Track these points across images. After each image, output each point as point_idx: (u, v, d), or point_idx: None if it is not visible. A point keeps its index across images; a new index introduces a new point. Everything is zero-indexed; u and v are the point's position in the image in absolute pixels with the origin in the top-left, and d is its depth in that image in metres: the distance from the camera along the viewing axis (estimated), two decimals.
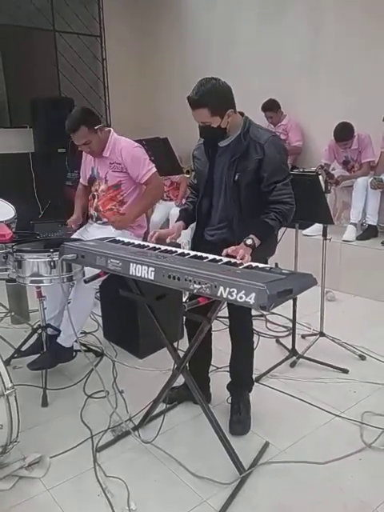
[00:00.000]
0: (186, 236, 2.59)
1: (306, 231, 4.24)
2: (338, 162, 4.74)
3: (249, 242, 2.02)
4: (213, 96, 2.03)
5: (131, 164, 2.95)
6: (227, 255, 1.94)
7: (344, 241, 4.32)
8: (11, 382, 1.99)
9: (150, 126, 6.23)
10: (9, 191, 3.24)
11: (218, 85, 2.05)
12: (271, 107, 5.16)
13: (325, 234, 3.05)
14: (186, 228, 2.38)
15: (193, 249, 2.23)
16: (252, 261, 1.92)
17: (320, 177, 3.06)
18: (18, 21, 6.09)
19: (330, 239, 3.10)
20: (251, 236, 2.04)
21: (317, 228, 4.05)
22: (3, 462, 2.08)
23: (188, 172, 5.53)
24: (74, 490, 2.00)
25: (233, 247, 1.96)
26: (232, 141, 2.18)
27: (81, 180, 3.32)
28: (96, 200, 3.09)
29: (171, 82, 6.49)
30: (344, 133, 4.39)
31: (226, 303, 1.93)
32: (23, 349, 2.99)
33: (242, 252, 1.92)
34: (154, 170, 3.01)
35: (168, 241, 2.23)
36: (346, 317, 3.75)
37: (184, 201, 2.55)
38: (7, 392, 1.95)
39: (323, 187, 2.98)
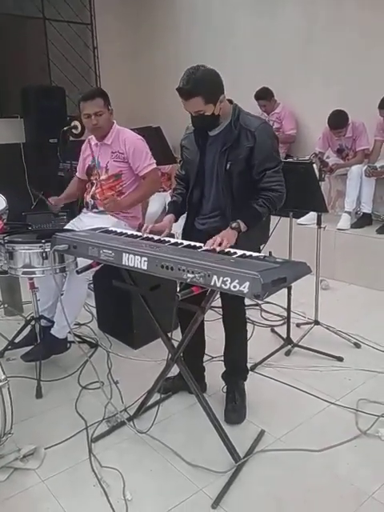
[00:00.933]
0: (179, 226, 2.58)
1: (301, 220, 4.23)
2: (333, 150, 4.72)
3: (234, 224, 2.03)
4: (205, 83, 2.00)
5: (133, 155, 2.94)
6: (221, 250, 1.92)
7: (338, 229, 4.32)
8: (4, 373, 1.98)
9: (143, 115, 6.17)
10: (0, 183, 3.20)
11: (207, 72, 2.02)
12: (264, 96, 5.12)
13: (319, 223, 3.04)
14: (176, 220, 2.36)
15: (184, 239, 2.21)
16: (244, 249, 1.91)
17: (314, 165, 3.04)
18: (7, 9, 5.99)
19: (324, 228, 3.09)
20: (238, 220, 2.04)
21: (311, 217, 4.03)
22: None
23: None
24: (69, 480, 2.00)
25: (212, 238, 1.94)
26: (222, 129, 2.16)
27: (77, 173, 3.30)
28: (94, 187, 3.06)
29: (164, 70, 6.41)
30: (338, 120, 4.36)
31: (219, 293, 1.93)
32: (17, 340, 2.97)
33: (219, 239, 1.92)
34: (155, 165, 3.01)
35: (163, 235, 2.20)
36: (341, 305, 3.75)
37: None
38: (0, 384, 1.94)
39: (317, 175, 2.96)
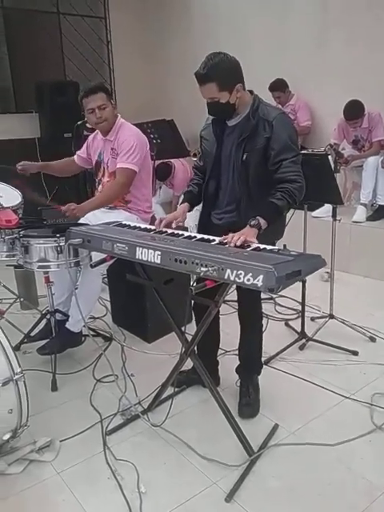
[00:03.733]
0: (192, 219, 2.56)
1: (315, 213, 4.19)
2: (348, 141, 4.65)
3: (253, 222, 1.96)
4: (221, 70, 1.98)
5: (119, 146, 2.87)
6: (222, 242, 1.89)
7: (354, 222, 4.26)
8: (20, 366, 2.00)
9: (157, 108, 6.16)
10: (15, 177, 3.22)
11: (226, 59, 2.00)
12: (279, 87, 5.07)
13: (334, 215, 3.00)
14: (191, 210, 2.34)
15: (200, 232, 2.18)
16: (260, 243, 1.89)
17: (329, 157, 3.01)
18: (23, 4, 6.01)
19: (339, 220, 3.05)
20: (257, 217, 1.98)
21: (326, 209, 4.00)
22: (14, 445, 2.10)
23: (195, 155, 5.47)
24: (84, 473, 2.02)
25: (229, 235, 1.90)
26: (240, 120, 2.13)
27: (77, 152, 3.23)
28: (100, 186, 3.07)
29: (178, 63, 6.38)
30: (354, 111, 4.29)
31: (234, 286, 1.91)
32: (32, 334, 3.01)
33: (236, 237, 1.87)
34: (134, 168, 2.83)
35: (174, 225, 2.20)
36: (356, 298, 3.71)
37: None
38: (16, 377, 1.96)
39: (333, 167, 2.92)
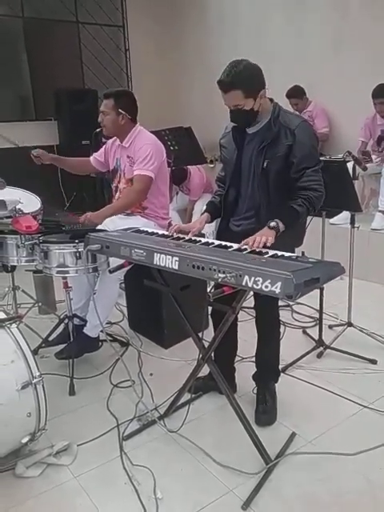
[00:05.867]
0: (210, 226, 2.56)
1: (333, 220, 4.15)
2: (374, 138, 4.61)
3: (272, 224, 1.98)
4: (246, 77, 1.99)
5: (135, 154, 2.90)
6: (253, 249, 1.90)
7: (373, 229, 4.22)
8: (39, 370, 2.02)
9: (175, 116, 6.19)
10: (35, 183, 3.27)
11: (249, 66, 2.02)
12: (296, 94, 5.08)
13: (353, 222, 2.98)
14: (211, 221, 2.34)
15: (218, 239, 2.19)
16: (279, 250, 1.89)
17: (348, 164, 2.99)
18: (42, 14, 6.12)
19: (358, 227, 3.03)
20: (276, 219, 2.00)
21: (344, 216, 3.96)
22: (32, 449, 2.12)
23: (212, 162, 5.49)
24: (100, 477, 2.02)
25: (251, 238, 1.92)
26: (261, 127, 2.14)
27: (94, 154, 3.26)
28: (118, 193, 3.10)
29: (196, 71, 6.43)
30: (382, 91, 4.27)
31: (251, 293, 1.91)
32: (50, 338, 3.03)
33: (258, 238, 1.89)
34: (151, 174, 2.86)
35: (190, 235, 2.19)
36: (375, 307, 3.66)
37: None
38: (35, 380, 1.98)
39: (351, 174, 2.91)
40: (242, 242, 1.93)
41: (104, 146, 3.22)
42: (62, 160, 3.26)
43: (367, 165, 3.85)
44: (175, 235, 2.17)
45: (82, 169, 3.35)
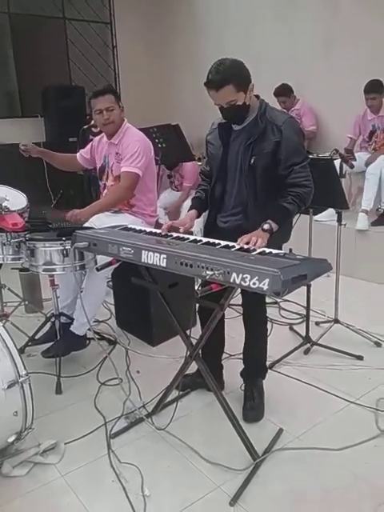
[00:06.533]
0: (197, 223, 2.56)
1: (318, 216, 4.17)
2: (364, 134, 4.63)
3: (266, 226, 2.00)
4: (235, 71, 2.00)
5: (124, 151, 2.89)
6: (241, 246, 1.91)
7: (358, 230, 4.25)
8: (25, 369, 2.00)
9: (162, 113, 6.18)
10: (21, 181, 3.25)
11: (235, 61, 2.03)
12: (284, 92, 5.10)
13: (340, 220, 3.00)
14: (198, 217, 2.35)
15: (205, 236, 2.19)
16: (267, 247, 1.90)
17: (335, 162, 3.01)
18: (29, 9, 6.07)
19: (345, 225, 3.05)
20: (268, 221, 2.01)
21: (329, 213, 3.98)
22: (18, 448, 2.10)
23: (200, 159, 5.48)
24: (88, 475, 2.02)
25: (247, 236, 1.93)
26: (247, 124, 2.14)
27: (80, 151, 3.23)
28: (105, 190, 3.08)
29: (183, 68, 6.42)
30: (374, 84, 4.30)
31: (239, 290, 1.91)
32: (37, 337, 3.01)
33: (254, 238, 1.91)
34: (138, 171, 2.86)
35: (182, 230, 2.20)
36: (362, 303, 3.70)
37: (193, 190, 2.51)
38: (21, 379, 1.97)
39: (338, 172, 2.93)
40: (239, 240, 1.93)
41: (90, 143, 3.20)
42: (49, 154, 3.23)
43: (353, 162, 3.88)
44: (164, 232, 2.16)
45: (69, 165, 3.32)
